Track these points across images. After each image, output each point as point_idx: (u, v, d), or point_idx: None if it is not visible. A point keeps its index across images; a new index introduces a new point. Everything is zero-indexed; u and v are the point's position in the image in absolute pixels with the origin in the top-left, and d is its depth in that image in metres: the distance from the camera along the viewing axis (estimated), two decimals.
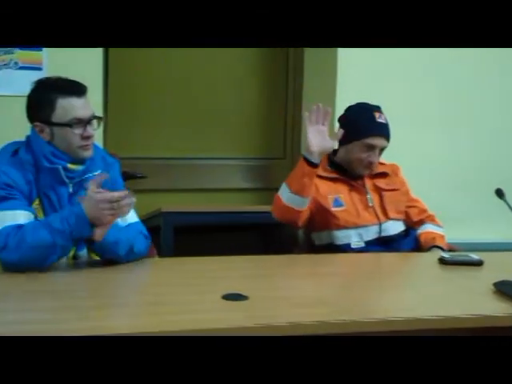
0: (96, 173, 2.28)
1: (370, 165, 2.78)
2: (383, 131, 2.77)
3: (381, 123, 2.77)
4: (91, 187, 2.10)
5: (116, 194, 2.09)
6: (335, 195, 2.78)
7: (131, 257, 2.28)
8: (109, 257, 2.24)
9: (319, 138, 2.59)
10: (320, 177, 2.76)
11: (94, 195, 2.08)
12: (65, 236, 2.10)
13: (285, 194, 2.61)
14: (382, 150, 2.79)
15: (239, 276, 2.24)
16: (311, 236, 2.86)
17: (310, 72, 4.08)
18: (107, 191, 2.10)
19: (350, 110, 2.88)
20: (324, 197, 2.77)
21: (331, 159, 2.86)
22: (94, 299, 1.97)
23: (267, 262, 2.49)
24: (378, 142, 2.75)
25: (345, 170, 2.84)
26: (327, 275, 2.36)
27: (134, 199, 2.13)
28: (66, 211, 2.16)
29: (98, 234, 2.12)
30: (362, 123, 2.77)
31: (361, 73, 3.78)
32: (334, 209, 2.76)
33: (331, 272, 2.42)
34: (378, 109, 2.81)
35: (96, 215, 2.09)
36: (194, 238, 3.48)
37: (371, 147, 2.75)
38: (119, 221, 2.25)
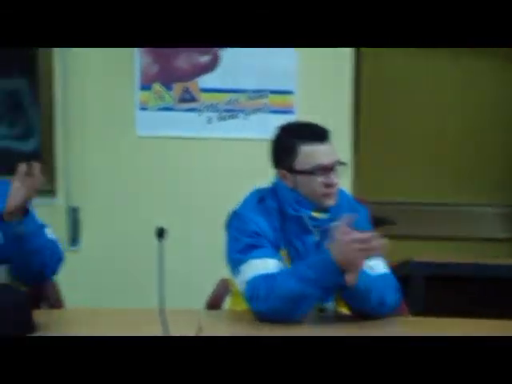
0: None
1: None
2: None
3: None
4: (339, 229, 2.01)
5: (366, 235, 1.99)
6: None
7: (382, 310, 2.14)
8: (359, 307, 2.12)
9: None
10: None
11: (343, 237, 1.99)
12: (314, 285, 2.03)
13: None
14: None
15: None
16: None
17: None
18: (355, 232, 2.00)
19: None
20: None
21: None
22: None
23: None
24: None
25: None
26: None
27: (384, 241, 2.00)
28: (314, 258, 2.09)
29: (351, 278, 2.02)
30: None
31: None
32: None
33: None
34: None
35: (346, 258, 1.99)
36: (447, 290, 3.24)
37: None
38: (369, 271, 2.13)
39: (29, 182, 2.16)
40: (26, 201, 2.19)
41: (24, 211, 2.21)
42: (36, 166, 2.18)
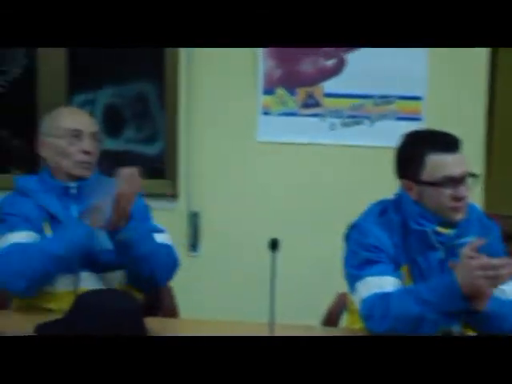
0: (470, 238, 2.03)
1: None
2: None
3: None
4: (466, 252, 1.89)
5: (494, 261, 1.85)
6: None
7: None
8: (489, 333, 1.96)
9: None
10: None
11: (469, 261, 1.86)
12: (434, 309, 1.91)
13: None
14: None
15: None
16: None
17: None
18: (484, 257, 1.87)
19: None
20: None
21: None
22: None
23: None
24: None
25: None
26: None
27: None
28: (436, 280, 1.97)
29: (480, 303, 1.89)
30: None
31: None
32: None
33: None
34: None
35: (470, 284, 1.86)
36: None
37: None
38: (501, 295, 1.99)
39: (130, 187, 2.14)
40: (129, 207, 2.16)
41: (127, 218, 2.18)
42: (135, 171, 2.16)
